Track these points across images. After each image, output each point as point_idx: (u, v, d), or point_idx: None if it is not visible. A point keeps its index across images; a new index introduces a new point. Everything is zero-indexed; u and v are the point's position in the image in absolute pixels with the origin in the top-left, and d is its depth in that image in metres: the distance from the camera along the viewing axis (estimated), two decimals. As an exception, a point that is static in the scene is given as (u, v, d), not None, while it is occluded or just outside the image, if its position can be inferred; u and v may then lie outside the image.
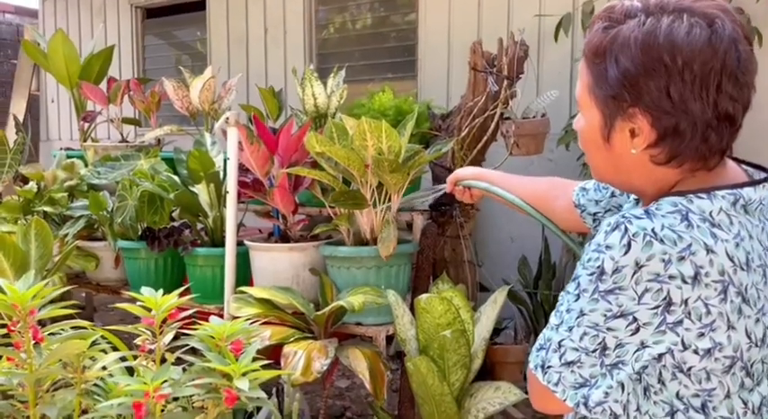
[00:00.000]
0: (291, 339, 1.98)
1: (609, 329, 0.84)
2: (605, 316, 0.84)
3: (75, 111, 3.59)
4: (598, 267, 0.84)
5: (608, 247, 0.84)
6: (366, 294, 2.06)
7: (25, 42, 3.46)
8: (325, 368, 1.84)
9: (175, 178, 2.59)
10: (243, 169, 2.60)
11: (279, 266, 2.37)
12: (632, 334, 0.84)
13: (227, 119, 2.38)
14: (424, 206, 2.36)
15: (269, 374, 1.42)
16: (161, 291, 1.57)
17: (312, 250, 2.37)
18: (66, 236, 2.91)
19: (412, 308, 2.21)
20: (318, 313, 2.00)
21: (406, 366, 1.90)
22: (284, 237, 2.48)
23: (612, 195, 1.27)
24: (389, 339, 2.29)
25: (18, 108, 6.93)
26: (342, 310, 2.01)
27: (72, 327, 1.79)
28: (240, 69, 4.70)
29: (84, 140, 3.62)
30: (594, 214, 1.30)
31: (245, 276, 2.53)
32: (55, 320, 1.78)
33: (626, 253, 0.82)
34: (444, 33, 4.16)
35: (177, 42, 6.28)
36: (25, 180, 3.30)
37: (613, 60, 0.90)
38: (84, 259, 2.91)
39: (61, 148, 3.62)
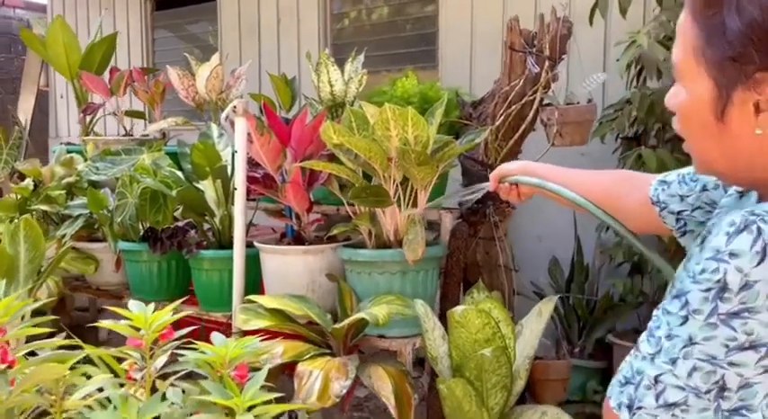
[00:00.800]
0: (306, 356, 1.74)
1: (731, 364, 0.64)
2: (727, 346, 0.63)
3: (76, 103, 3.37)
4: (718, 281, 0.63)
5: (733, 255, 0.63)
6: (391, 304, 1.82)
7: (23, 31, 3.25)
8: (344, 390, 1.60)
9: (179, 174, 2.36)
10: (253, 163, 2.36)
11: (292, 271, 2.13)
12: (765, 372, 0.63)
13: (235, 107, 2.14)
14: (452, 203, 2.11)
15: (279, 409, 1.18)
16: (152, 306, 1.33)
17: (329, 253, 2.13)
18: (63, 237, 2.69)
19: (441, 318, 1.96)
20: (337, 326, 1.76)
21: (439, 388, 1.66)
22: (298, 239, 2.24)
23: (704, 189, 1.03)
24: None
25: (26, 104, 6.76)
26: (363, 322, 1.76)
27: (59, 347, 1.57)
28: (252, 61, 4.47)
29: (87, 134, 3.40)
30: (679, 212, 1.06)
31: (255, 281, 2.29)
32: (35, 337, 1.56)
33: (759, 262, 0.62)
34: (467, 19, 3.90)
35: (187, 35, 6.07)
36: (23, 177, 3.09)
37: (734, 8, 0.68)
38: (83, 262, 2.69)
39: (62, 143, 3.41)
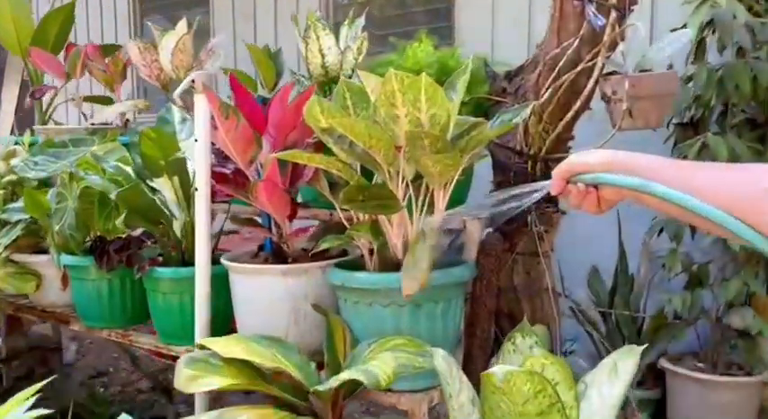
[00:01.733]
0: (279, 429, 1.21)
1: None
2: None
3: (31, 84, 2.87)
4: None
5: None
6: (398, 351, 1.29)
7: (-39, 0, 2.74)
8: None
9: (128, 170, 1.84)
10: (222, 156, 1.84)
11: (269, 297, 1.61)
12: None
13: (193, 82, 1.62)
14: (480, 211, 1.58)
15: None
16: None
17: (317, 274, 1.60)
18: (-3, 247, 2.19)
19: (466, 367, 1.44)
20: (321, 388, 1.23)
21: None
22: (278, 254, 1.71)
23: None
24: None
25: (10, 95, 6.29)
26: (357, 382, 1.23)
27: None
28: (240, 38, 3.95)
29: (44, 123, 2.90)
30: None
31: (225, 309, 1.78)
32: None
33: None
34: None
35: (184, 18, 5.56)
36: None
37: None
38: (21, 278, 2.18)
39: (19, 133, 2.92)
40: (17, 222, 2.22)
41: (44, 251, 2.24)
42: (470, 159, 1.41)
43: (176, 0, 5.29)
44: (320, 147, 1.59)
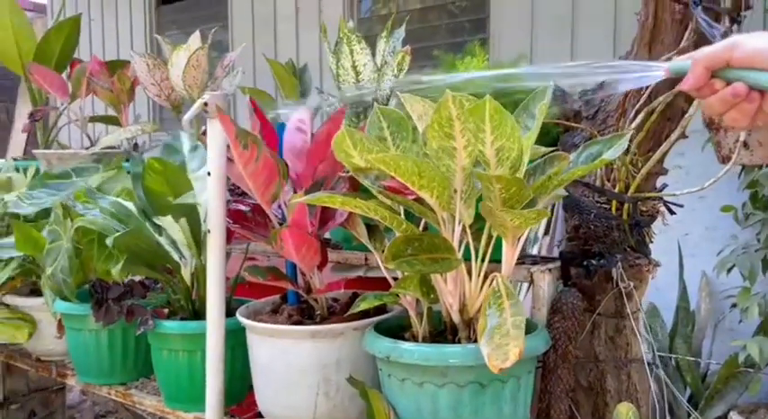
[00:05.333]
0: None
1: None
2: None
3: (32, 106, 2.64)
4: None
5: None
6: (461, 453, 1.01)
7: (-41, 13, 2.52)
8: None
9: (129, 206, 1.58)
10: (238, 191, 1.59)
11: (294, 364, 1.33)
12: None
13: (206, 104, 1.36)
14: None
15: None
16: None
17: (353, 336, 1.32)
18: (-14, 290, 1.94)
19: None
20: None
21: None
22: (304, 309, 1.44)
23: None
24: None
25: (25, 113, 6.14)
26: None
27: None
28: (261, 51, 3.72)
29: (47, 146, 2.66)
30: None
31: (243, 370, 1.51)
32: None
33: None
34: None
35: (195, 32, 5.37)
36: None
37: None
38: (12, 326, 1.93)
39: (14, 158, 2.69)
40: (9, 260, 1.98)
41: (38, 292, 1.99)
42: (548, 203, 1.13)
43: (194, 14, 5.10)
44: (356, 184, 1.32)
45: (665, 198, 1.27)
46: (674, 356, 2.62)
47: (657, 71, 0.75)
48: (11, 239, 1.97)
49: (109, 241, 1.39)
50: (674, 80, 1.03)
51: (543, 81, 1.16)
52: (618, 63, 0.84)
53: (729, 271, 2.41)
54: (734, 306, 2.44)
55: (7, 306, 1.99)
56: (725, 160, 1.19)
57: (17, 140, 5.86)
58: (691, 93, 0.73)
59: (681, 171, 2.88)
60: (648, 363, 1.28)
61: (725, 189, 2.85)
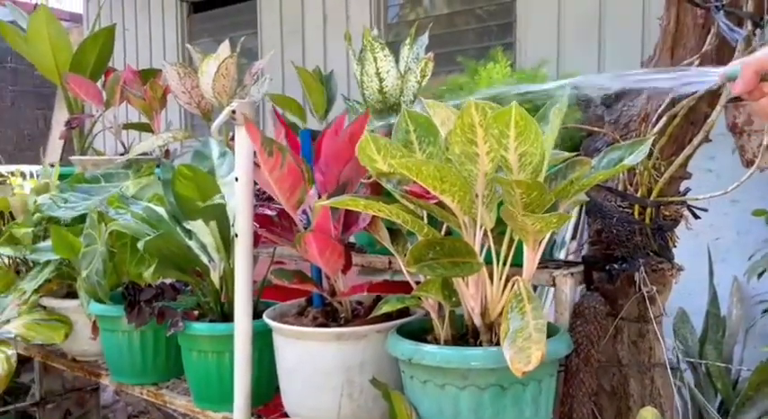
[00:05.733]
0: None
1: None
2: None
3: (69, 114, 2.73)
4: None
5: None
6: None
7: (0, 24, 2.62)
8: None
9: (159, 211, 1.63)
10: (265, 196, 1.62)
11: (318, 365, 1.36)
12: None
13: (233, 113, 1.40)
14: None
15: None
16: None
17: (376, 339, 1.35)
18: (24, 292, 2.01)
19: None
20: None
21: None
22: (329, 312, 1.47)
23: None
24: None
25: (60, 118, 6.31)
26: None
27: None
28: (295, 63, 3.78)
29: (83, 153, 2.75)
30: None
31: (270, 370, 1.54)
32: None
33: None
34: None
35: (228, 39, 5.48)
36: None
37: None
38: (49, 327, 1.99)
39: (51, 164, 2.77)
40: (47, 263, 2.05)
41: (74, 294, 2.05)
42: (569, 207, 1.14)
43: (225, 22, 5.19)
44: (378, 188, 1.35)
45: (689, 202, 1.27)
46: (704, 362, 2.58)
47: (713, 77, 0.77)
48: (48, 243, 2.05)
49: (140, 245, 1.44)
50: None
51: (604, 90, 1.18)
52: (676, 70, 0.85)
53: (761, 276, 2.38)
54: (765, 311, 2.41)
55: (44, 307, 2.06)
56: (749, 164, 1.18)
57: (54, 147, 6.03)
58: (742, 97, 0.75)
59: (711, 174, 2.84)
60: (672, 368, 1.28)
61: (757, 193, 2.81)
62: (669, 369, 1.25)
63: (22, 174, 2.68)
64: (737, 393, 2.61)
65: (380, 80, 1.64)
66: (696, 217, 1.29)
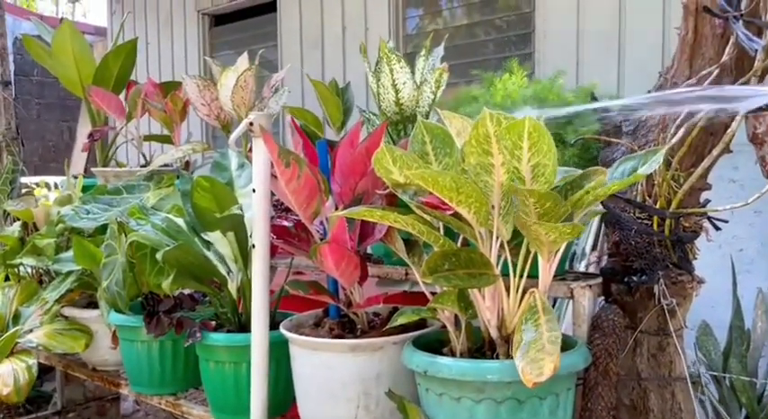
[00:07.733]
0: None
1: None
2: None
3: (92, 126, 2.77)
4: None
5: None
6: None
7: (26, 39, 2.68)
8: None
9: (179, 222, 1.64)
10: (282, 207, 1.63)
11: (334, 376, 1.36)
12: None
13: (251, 124, 1.41)
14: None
15: None
16: None
17: (392, 351, 1.34)
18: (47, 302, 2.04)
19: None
20: None
21: None
22: (345, 323, 1.47)
23: None
24: None
25: (84, 130, 6.41)
26: None
27: None
28: (315, 74, 3.79)
29: (105, 165, 2.79)
30: None
31: (287, 381, 1.54)
32: None
33: None
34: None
35: (248, 51, 5.53)
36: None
37: None
38: (70, 336, 2.02)
39: (74, 176, 2.82)
40: (69, 273, 2.08)
41: (94, 304, 2.08)
42: (584, 218, 1.13)
43: (246, 35, 5.24)
44: (394, 199, 1.35)
45: (710, 213, 1.25)
46: (727, 376, 2.53)
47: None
48: (70, 253, 2.08)
49: (159, 255, 1.45)
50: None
51: (654, 109, 1.17)
52: (728, 88, 0.83)
53: (787, 287, 2.33)
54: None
55: (66, 317, 2.09)
56: (770, 175, 1.16)
57: (78, 159, 6.12)
58: None
59: (735, 185, 2.80)
60: (694, 382, 1.26)
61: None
62: (690, 384, 1.23)
63: (47, 186, 2.73)
64: (762, 407, 2.56)
65: (396, 91, 1.64)
66: (717, 228, 1.27)
